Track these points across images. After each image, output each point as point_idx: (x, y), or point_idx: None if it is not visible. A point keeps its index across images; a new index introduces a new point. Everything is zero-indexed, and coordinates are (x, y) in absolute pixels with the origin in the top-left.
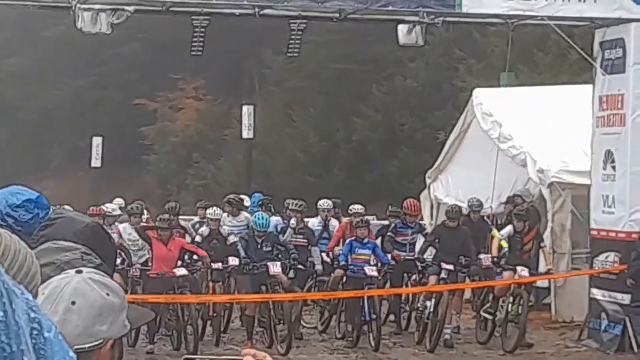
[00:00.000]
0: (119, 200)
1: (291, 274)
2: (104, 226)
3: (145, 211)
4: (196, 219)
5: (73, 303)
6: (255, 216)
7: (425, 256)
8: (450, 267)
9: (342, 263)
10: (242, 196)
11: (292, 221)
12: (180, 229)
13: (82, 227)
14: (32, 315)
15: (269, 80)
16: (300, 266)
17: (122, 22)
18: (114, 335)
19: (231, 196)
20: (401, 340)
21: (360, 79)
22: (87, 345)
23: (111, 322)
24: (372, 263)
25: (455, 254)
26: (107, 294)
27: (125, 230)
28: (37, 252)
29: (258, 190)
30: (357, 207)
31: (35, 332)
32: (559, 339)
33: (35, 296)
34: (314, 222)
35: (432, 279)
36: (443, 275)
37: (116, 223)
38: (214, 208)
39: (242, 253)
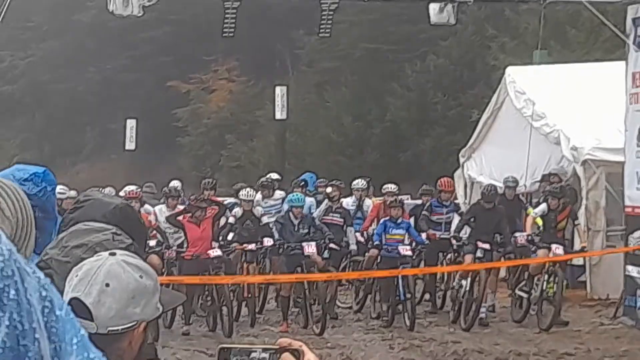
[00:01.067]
0: (150, 184)
1: (326, 254)
2: (139, 208)
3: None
4: (230, 200)
5: (107, 285)
6: (290, 195)
7: (460, 235)
8: (487, 246)
9: (377, 243)
10: (275, 175)
11: (326, 201)
12: (215, 205)
13: (112, 208)
14: (44, 293)
15: (301, 61)
16: (334, 246)
17: (153, 5)
18: (147, 317)
19: (263, 179)
20: (436, 319)
21: (393, 59)
22: (120, 327)
23: (144, 305)
24: (406, 242)
25: (491, 233)
26: (141, 277)
27: (161, 212)
28: (67, 234)
29: (309, 171)
30: (390, 187)
31: (46, 310)
32: (595, 317)
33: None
34: (347, 202)
35: (468, 258)
36: (479, 254)
37: (146, 205)
38: (247, 189)
39: (277, 235)
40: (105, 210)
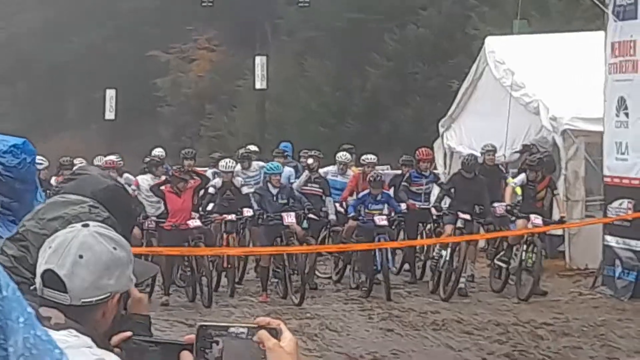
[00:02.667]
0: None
1: (305, 224)
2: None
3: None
4: (210, 170)
5: (80, 257)
6: (268, 164)
7: (441, 205)
8: (467, 216)
9: (352, 214)
10: (252, 147)
11: (306, 172)
12: (198, 177)
13: (103, 187)
14: None
15: (281, 31)
16: (314, 216)
17: None
18: (120, 289)
19: (242, 151)
20: (416, 289)
21: (373, 28)
22: (94, 299)
23: (118, 276)
24: (384, 213)
25: (471, 203)
26: (114, 248)
27: (144, 182)
28: (44, 206)
29: (287, 140)
30: (370, 157)
31: None
32: (573, 287)
33: None
34: (330, 170)
35: (448, 228)
36: (459, 224)
37: (125, 174)
38: (227, 160)
39: (255, 205)
40: (96, 188)
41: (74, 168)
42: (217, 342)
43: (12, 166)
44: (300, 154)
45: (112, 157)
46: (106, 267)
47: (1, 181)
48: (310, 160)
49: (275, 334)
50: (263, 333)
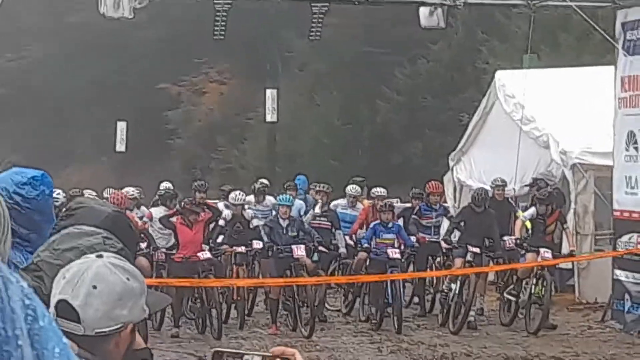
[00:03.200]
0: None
1: (315, 257)
2: (127, 210)
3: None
4: (221, 203)
5: (94, 287)
6: (280, 196)
7: (450, 238)
8: (477, 250)
9: (366, 246)
10: (263, 180)
11: (317, 208)
12: (209, 210)
13: (104, 217)
14: (27, 302)
15: (291, 64)
16: (323, 249)
17: (144, 7)
18: (134, 319)
19: (258, 185)
20: (425, 322)
21: (383, 62)
22: (107, 329)
23: (131, 307)
24: (395, 246)
25: (481, 237)
26: (128, 279)
27: (157, 214)
28: (59, 237)
29: (301, 173)
30: (379, 190)
31: (30, 318)
32: (583, 321)
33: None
34: (340, 203)
35: (458, 261)
36: (469, 257)
37: (142, 207)
38: (237, 192)
39: (265, 238)
40: (97, 219)
41: (70, 204)
42: None
43: (31, 198)
44: (309, 186)
45: (130, 189)
46: (120, 298)
47: (20, 212)
48: (318, 197)
49: None
50: None
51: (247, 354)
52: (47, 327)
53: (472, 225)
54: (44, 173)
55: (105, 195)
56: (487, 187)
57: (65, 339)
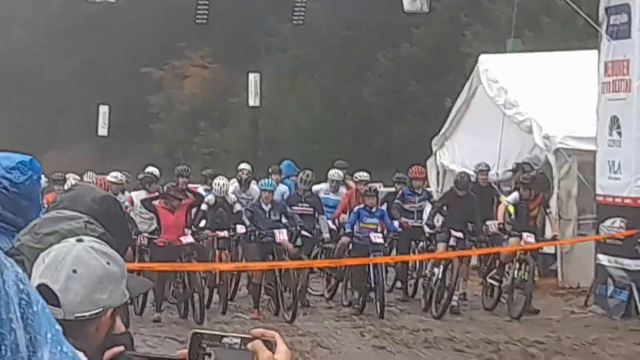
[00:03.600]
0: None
1: (298, 242)
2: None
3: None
4: (202, 187)
5: (74, 271)
6: (262, 181)
7: (433, 223)
8: (460, 234)
9: (348, 231)
10: (245, 165)
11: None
12: (190, 193)
13: (101, 196)
14: (21, 287)
15: (274, 48)
16: (306, 234)
17: None
18: (114, 303)
19: (244, 177)
20: (408, 307)
21: (366, 46)
22: (87, 314)
23: (112, 291)
24: (379, 231)
25: (464, 222)
26: (108, 263)
27: (138, 198)
28: (40, 221)
29: (286, 158)
30: (362, 175)
31: (23, 302)
32: (566, 305)
33: None
34: (322, 188)
35: (441, 246)
36: (452, 242)
37: (125, 192)
38: (220, 177)
39: (248, 222)
40: (94, 196)
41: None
42: (209, 355)
43: (19, 182)
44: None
45: (116, 174)
46: (100, 282)
47: (7, 197)
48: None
49: (270, 346)
50: (257, 344)
51: (225, 336)
52: (41, 313)
53: (455, 210)
54: (32, 158)
55: (85, 178)
56: (470, 172)
57: (58, 325)
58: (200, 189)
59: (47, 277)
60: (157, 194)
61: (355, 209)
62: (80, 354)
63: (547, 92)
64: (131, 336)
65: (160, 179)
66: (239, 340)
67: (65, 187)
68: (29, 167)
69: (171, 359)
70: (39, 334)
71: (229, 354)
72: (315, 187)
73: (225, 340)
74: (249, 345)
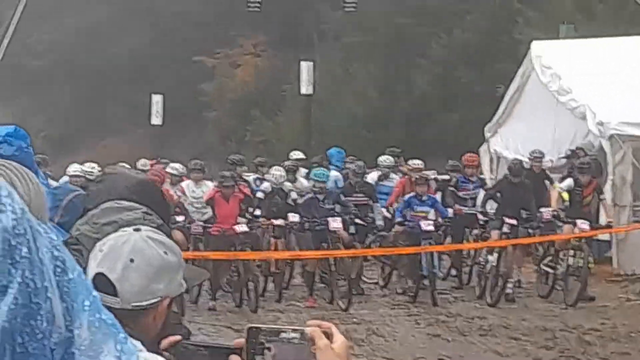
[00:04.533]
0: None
1: (352, 229)
2: (171, 186)
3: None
4: (254, 175)
5: (132, 260)
6: (314, 170)
7: (487, 210)
8: (514, 221)
9: (398, 219)
10: (298, 154)
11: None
12: (243, 182)
13: (135, 182)
14: (56, 253)
15: (327, 36)
16: (360, 222)
17: None
18: (171, 293)
19: (288, 163)
20: (463, 294)
21: (419, 33)
22: (144, 303)
23: (168, 281)
24: (430, 218)
25: (518, 209)
26: (165, 253)
27: (188, 187)
28: (98, 212)
29: (333, 146)
30: (416, 162)
31: (58, 269)
32: (621, 292)
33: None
34: (373, 177)
35: (495, 233)
36: (505, 229)
37: (179, 184)
38: (276, 167)
39: (302, 211)
40: (129, 183)
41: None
42: (269, 349)
43: (9, 155)
44: (345, 160)
45: (177, 166)
46: (157, 272)
47: None
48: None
49: (327, 337)
50: (316, 331)
51: (283, 331)
52: (77, 280)
53: (508, 197)
54: (16, 127)
55: (138, 166)
56: (524, 159)
57: (95, 293)
58: (252, 178)
59: (104, 266)
60: (208, 183)
61: (406, 197)
62: (137, 343)
63: (601, 78)
64: (179, 316)
65: (204, 170)
66: (297, 335)
67: (106, 170)
68: (15, 137)
69: (227, 347)
70: (76, 301)
71: (288, 348)
72: (367, 176)
73: (283, 335)
74: (308, 330)
